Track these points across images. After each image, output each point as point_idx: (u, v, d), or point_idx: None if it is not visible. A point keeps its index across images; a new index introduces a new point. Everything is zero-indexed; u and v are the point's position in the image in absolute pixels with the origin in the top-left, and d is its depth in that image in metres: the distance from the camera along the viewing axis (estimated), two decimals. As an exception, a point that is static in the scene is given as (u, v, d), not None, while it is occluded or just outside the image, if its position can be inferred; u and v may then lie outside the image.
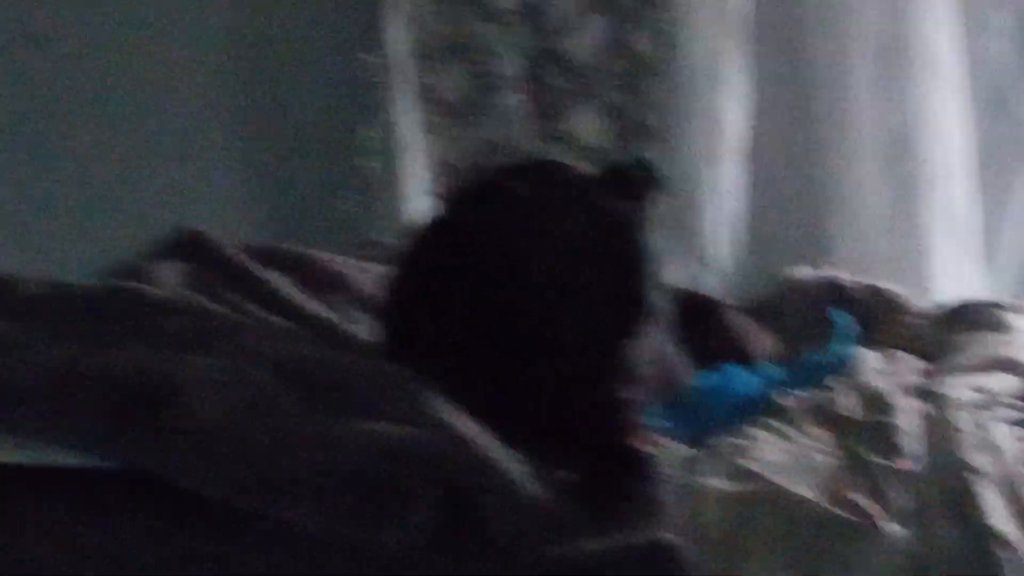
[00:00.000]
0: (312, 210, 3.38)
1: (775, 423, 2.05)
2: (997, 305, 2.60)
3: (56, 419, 1.82)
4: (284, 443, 1.77)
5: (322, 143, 3.39)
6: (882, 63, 3.08)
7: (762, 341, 2.59)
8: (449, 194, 2.14)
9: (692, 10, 3.15)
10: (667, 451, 1.98)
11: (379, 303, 2.10)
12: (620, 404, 1.88)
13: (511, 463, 1.78)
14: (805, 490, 1.86)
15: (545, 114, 3.34)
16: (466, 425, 1.79)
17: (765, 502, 1.82)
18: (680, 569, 1.74)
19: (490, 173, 2.22)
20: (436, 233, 2.02)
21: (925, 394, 2.17)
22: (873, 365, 2.31)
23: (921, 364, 2.36)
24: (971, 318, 2.52)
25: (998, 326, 2.46)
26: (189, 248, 2.33)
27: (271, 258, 2.40)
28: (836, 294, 2.82)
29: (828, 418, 2.07)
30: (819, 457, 1.95)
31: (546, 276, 1.87)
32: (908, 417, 2.04)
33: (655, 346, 1.98)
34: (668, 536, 1.75)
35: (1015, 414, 2.14)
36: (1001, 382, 2.20)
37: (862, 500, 1.83)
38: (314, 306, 2.30)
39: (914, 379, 2.25)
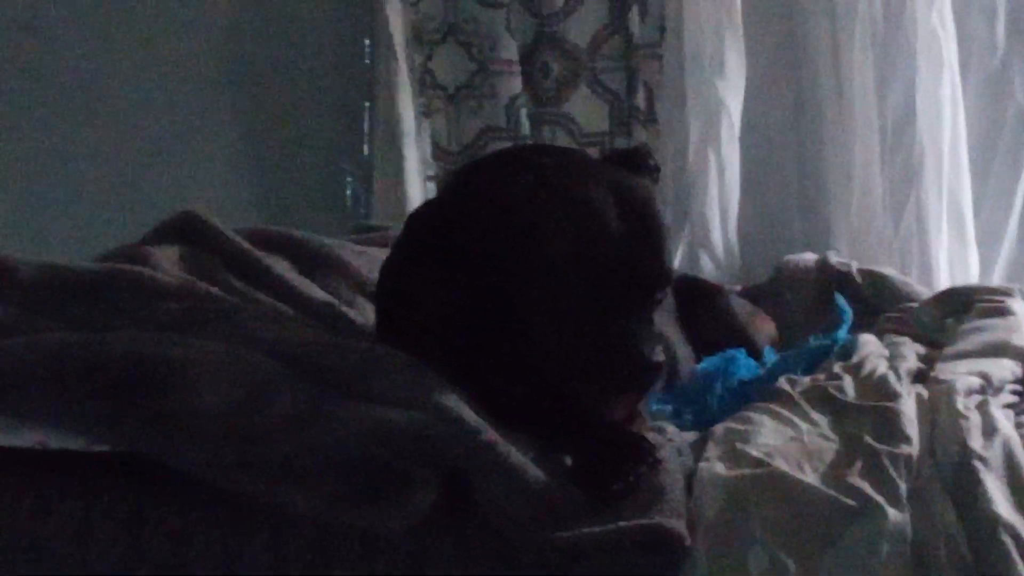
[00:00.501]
0: (310, 194, 3.38)
1: (776, 408, 2.04)
2: (997, 290, 2.59)
3: (55, 403, 1.81)
4: (283, 427, 1.77)
5: (321, 128, 3.39)
6: (879, 47, 3.07)
7: (762, 326, 2.59)
8: (461, 170, 2.08)
9: (690, -6, 3.15)
10: (668, 435, 1.98)
11: (378, 286, 2.08)
12: (646, 367, 1.87)
13: (511, 447, 1.77)
14: (806, 475, 1.85)
15: (542, 98, 3.34)
16: (466, 409, 1.79)
17: (766, 487, 1.81)
18: (679, 553, 1.74)
19: (502, 151, 2.20)
20: (442, 209, 1.98)
21: (926, 379, 2.17)
22: (874, 350, 2.31)
23: (922, 349, 2.36)
24: (972, 304, 2.52)
25: (998, 311, 2.45)
26: (186, 231, 2.32)
27: (269, 241, 2.39)
28: (835, 279, 2.82)
29: (829, 403, 2.06)
30: (820, 442, 1.94)
31: (568, 247, 1.84)
32: (909, 402, 2.03)
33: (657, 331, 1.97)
34: (668, 520, 1.74)
35: (1015, 399, 2.14)
36: (1002, 367, 2.20)
37: (863, 485, 1.82)
38: (312, 289, 2.30)
39: (915, 364, 2.25)
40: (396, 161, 3.24)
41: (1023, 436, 1.94)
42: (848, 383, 2.13)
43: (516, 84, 3.28)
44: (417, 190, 3.25)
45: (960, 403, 2.00)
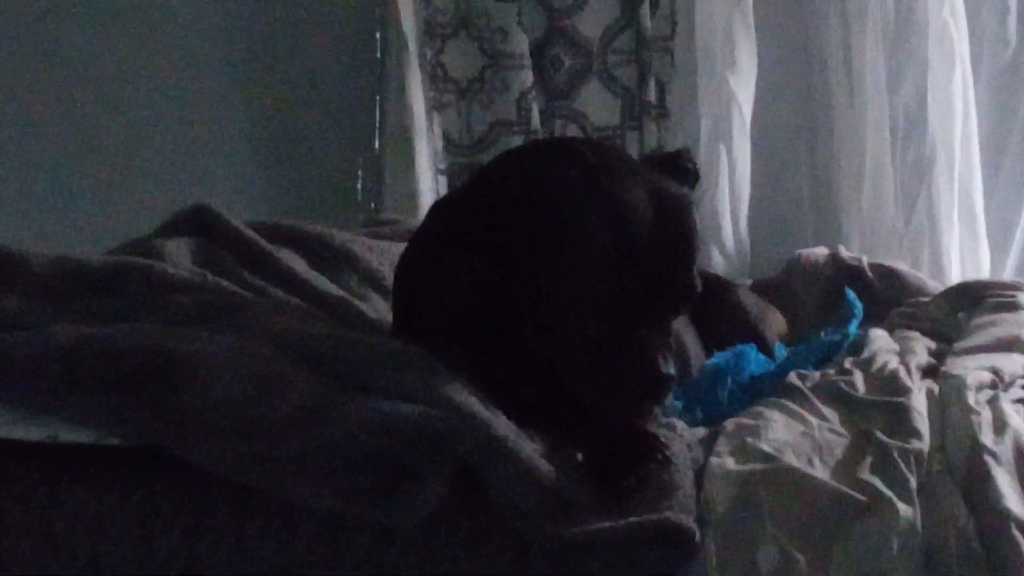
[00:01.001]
0: (322, 188, 3.38)
1: (787, 402, 2.04)
2: (1009, 285, 2.59)
3: (67, 396, 1.82)
4: (293, 420, 1.77)
5: (332, 121, 3.39)
6: (891, 42, 3.07)
7: (773, 321, 2.59)
8: (496, 160, 2.04)
9: (701, -12, 3.15)
10: (678, 431, 1.98)
11: (395, 276, 2.07)
12: (655, 382, 1.86)
13: (521, 442, 1.78)
14: (816, 470, 1.85)
15: (554, 92, 3.34)
16: (477, 403, 1.79)
17: (776, 482, 1.82)
18: (689, 548, 1.74)
19: (540, 141, 2.16)
20: (473, 198, 1.96)
21: (936, 374, 2.16)
22: (884, 345, 2.31)
23: (932, 344, 2.36)
24: (983, 298, 2.51)
25: (1010, 306, 2.45)
26: (198, 224, 2.33)
27: (280, 235, 2.40)
28: (847, 274, 2.82)
29: (840, 398, 2.06)
30: (831, 437, 1.94)
31: (603, 249, 1.82)
32: (919, 397, 2.03)
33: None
34: (678, 516, 1.75)
35: (1027, 394, 2.14)
36: (1013, 362, 2.20)
37: (873, 480, 1.82)
38: (323, 283, 2.30)
39: (925, 359, 2.25)
40: (407, 155, 3.24)
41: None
42: (859, 378, 2.13)
43: (527, 78, 3.28)
44: (428, 184, 3.24)
45: (971, 398, 2.00)
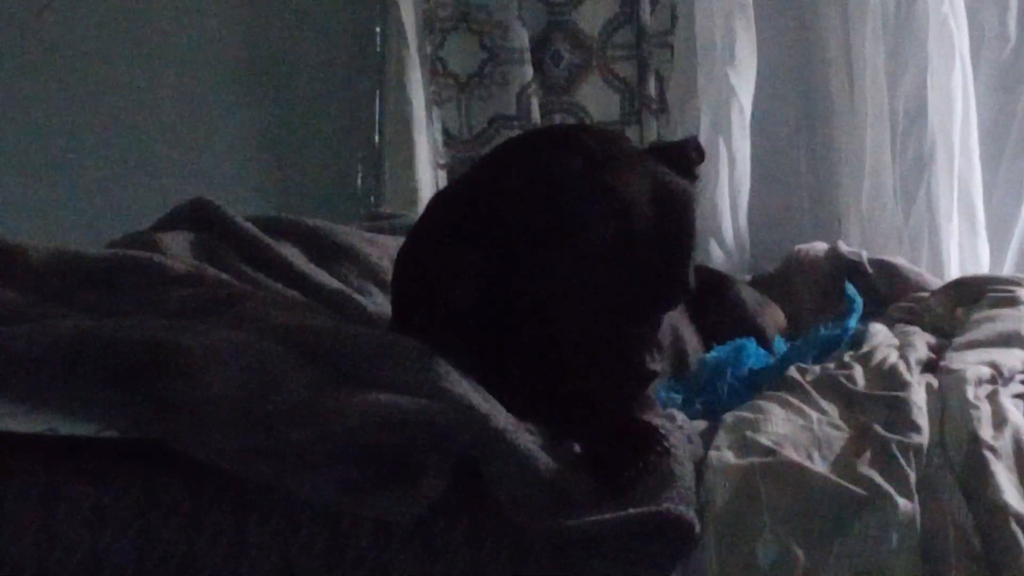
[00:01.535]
0: (321, 182, 3.39)
1: (786, 396, 2.04)
2: (1008, 281, 2.59)
3: (66, 388, 1.82)
4: (292, 414, 1.77)
5: (332, 115, 3.39)
6: (891, 37, 3.07)
7: (773, 316, 2.59)
8: (499, 148, 2.03)
9: (701, -18, 3.15)
10: (677, 423, 1.98)
11: (395, 267, 2.07)
12: (638, 376, 1.86)
13: (521, 434, 1.78)
14: (815, 464, 1.85)
15: (553, 87, 3.34)
16: (476, 396, 1.79)
17: (775, 475, 1.81)
18: (688, 540, 1.74)
19: (543, 129, 2.15)
20: (475, 185, 1.96)
21: (936, 369, 2.16)
22: (884, 339, 2.31)
23: (932, 339, 2.36)
24: (982, 294, 2.51)
25: (1009, 302, 2.45)
26: (198, 218, 2.33)
27: (280, 229, 2.40)
28: (846, 269, 2.81)
29: (839, 392, 2.06)
30: (830, 430, 1.94)
31: (604, 240, 1.81)
32: (919, 391, 2.03)
33: (669, 321, 1.96)
34: (677, 507, 1.74)
35: (1027, 389, 2.14)
36: (1012, 357, 2.20)
37: (872, 474, 1.82)
38: (322, 277, 2.30)
39: (925, 354, 2.25)
40: (407, 149, 3.24)
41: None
42: (858, 372, 2.13)
43: (527, 72, 3.28)
44: (428, 178, 3.25)
45: (970, 393, 2.00)
